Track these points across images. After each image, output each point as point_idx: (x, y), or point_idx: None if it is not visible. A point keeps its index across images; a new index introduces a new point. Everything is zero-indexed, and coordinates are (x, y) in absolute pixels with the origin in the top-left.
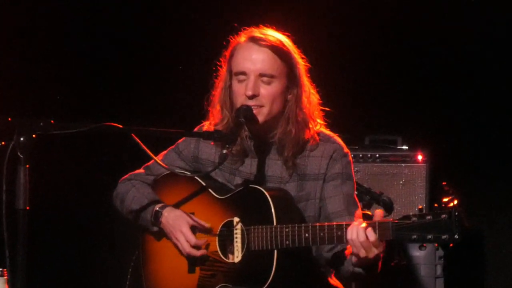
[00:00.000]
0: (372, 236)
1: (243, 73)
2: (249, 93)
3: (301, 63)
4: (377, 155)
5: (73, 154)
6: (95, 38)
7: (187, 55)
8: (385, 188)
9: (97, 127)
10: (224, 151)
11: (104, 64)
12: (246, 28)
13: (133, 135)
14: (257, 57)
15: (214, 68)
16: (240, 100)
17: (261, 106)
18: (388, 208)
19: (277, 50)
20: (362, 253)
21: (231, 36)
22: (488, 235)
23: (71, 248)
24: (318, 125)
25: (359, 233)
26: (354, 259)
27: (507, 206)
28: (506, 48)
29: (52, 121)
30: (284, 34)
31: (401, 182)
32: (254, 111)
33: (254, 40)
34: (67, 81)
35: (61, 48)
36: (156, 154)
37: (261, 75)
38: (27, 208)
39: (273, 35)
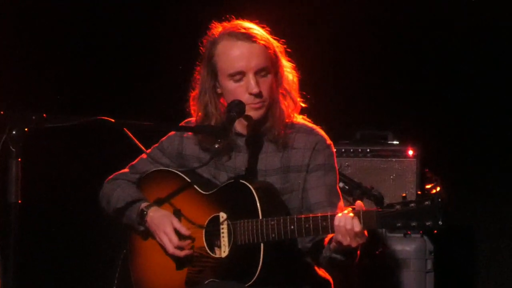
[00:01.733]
0: (357, 226)
1: (240, 72)
2: (256, 90)
3: (278, 45)
4: (368, 150)
5: (65, 148)
6: (88, 34)
7: (177, 52)
8: (376, 182)
9: (89, 121)
10: (216, 146)
11: (97, 59)
12: (216, 23)
13: (125, 129)
14: (250, 54)
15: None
16: (243, 99)
17: (264, 101)
18: (379, 202)
19: (263, 41)
20: (346, 241)
21: (205, 36)
22: (478, 229)
23: (62, 242)
24: (300, 102)
25: (347, 221)
26: (333, 245)
27: (497, 201)
28: (494, 43)
29: (44, 115)
30: (252, 23)
31: (391, 176)
32: (258, 106)
33: (239, 36)
34: (60, 76)
35: (54, 43)
36: (147, 149)
37: (259, 70)
38: (19, 201)
39: (252, 27)
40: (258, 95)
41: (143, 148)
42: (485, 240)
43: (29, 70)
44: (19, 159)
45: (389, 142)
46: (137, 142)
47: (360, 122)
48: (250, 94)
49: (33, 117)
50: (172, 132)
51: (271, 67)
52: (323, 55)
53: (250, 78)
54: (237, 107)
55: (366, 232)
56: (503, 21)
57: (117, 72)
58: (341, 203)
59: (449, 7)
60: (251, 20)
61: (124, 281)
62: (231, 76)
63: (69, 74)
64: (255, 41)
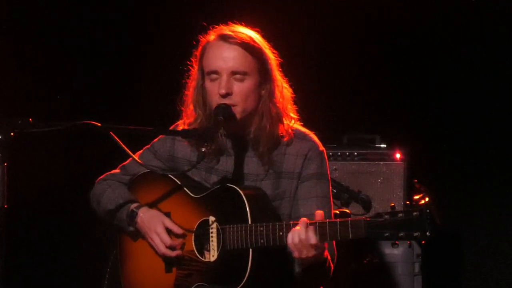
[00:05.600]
0: (312, 238)
1: (215, 72)
2: (222, 91)
3: (272, 58)
4: (356, 153)
5: (52, 152)
6: (75, 39)
7: (164, 54)
8: (363, 186)
9: (75, 125)
10: (203, 149)
11: (85, 63)
12: (215, 26)
13: (111, 133)
14: (228, 55)
15: (185, 68)
16: (214, 99)
17: (235, 104)
18: (366, 206)
19: (248, 46)
20: (303, 254)
21: (200, 35)
22: (465, 232)
23: (49, 247)
24: (293, 121)
25: (300, 235)
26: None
27: (484, 204)
28: (483, 49)
29: (30, 119)
30: (253, 30)
31: (379, 180)
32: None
33: (224, 38)
34: (47, 80)
35: (41, 46)
36: (133, 153)
37: (233, 72)
38: (5, 206)
39: (243, 31)
40: (225, 96)
41: (129, 152)
42: (472, 243)
43: (15, 74)
44: (5, 164)
45: (377, 145)
46: (123, 146)
47: (347, 126)
48: (219, 94)
49: (19, 122)
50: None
51: (252, 74)
52: (310, 58)
53: (222, 79)
54: (224, 111)
55: (326, 245)
56: (495, 27)
57: (105, 76)
58: (331, 213)
59: (439, 13)
60: (252, 26)
61: (114, 283)
62: (208, 74)
63: (56, 78)
64: (237, 44)
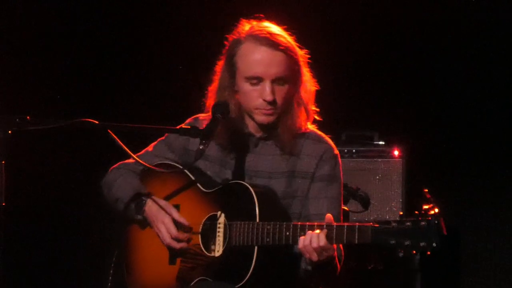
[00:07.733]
0: (322, 241)
1: (258, 78)
2: (270, 98)
3: (301, 54)
4: (354, 151)
5: (50, 150)
6: (76, 35)
7: (172, 52)
8: (362, 183)
9: (73, 123)
10: (201, 147)
11: (84, 62)
12: (243, 20)
13: (109, 131)
14: (271, 61)
15: (181, 63)
16: (255, 103)
17: (277, 109)
18: (365, 203)
19: (288, 51)
20: (314, 257)
21: (233, 33)
22: (464, 229)
23: (49, 245)
24: (310, 124)
25: (313, 239)
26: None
27: (483, 202)
28: (483, 46)
29: (28, 117)
30: (281, 27)
31: (377, 177)
32: (269, 112)
33: (263, 41)
34: (46, 78)
35: (40, 45)
36: (134, 151)
37: (277, 78)
38: (3, 204)
39: (279, 33)
40: (272, 103)
41: (127, 149)
42: (471, 239)
43: (14, 73)
44: (3, 162)
45: (375, 142)
46: (121, 143)
47: (346, 123)
48: (264, 100)
49: (17, 120)
50: (179, 126)
51: (290, 76)
52: (309, 56)
53: (266, 85)
54: (222, 108)
55: (334, 245)
56: (495, 27)
57: (105, 75)
58: (341, 215)
59: (439, 13)
60: (279, 23)
61: (118, 274)
62: (248, 79)
63: (56, 77)
64: (278, 49)
